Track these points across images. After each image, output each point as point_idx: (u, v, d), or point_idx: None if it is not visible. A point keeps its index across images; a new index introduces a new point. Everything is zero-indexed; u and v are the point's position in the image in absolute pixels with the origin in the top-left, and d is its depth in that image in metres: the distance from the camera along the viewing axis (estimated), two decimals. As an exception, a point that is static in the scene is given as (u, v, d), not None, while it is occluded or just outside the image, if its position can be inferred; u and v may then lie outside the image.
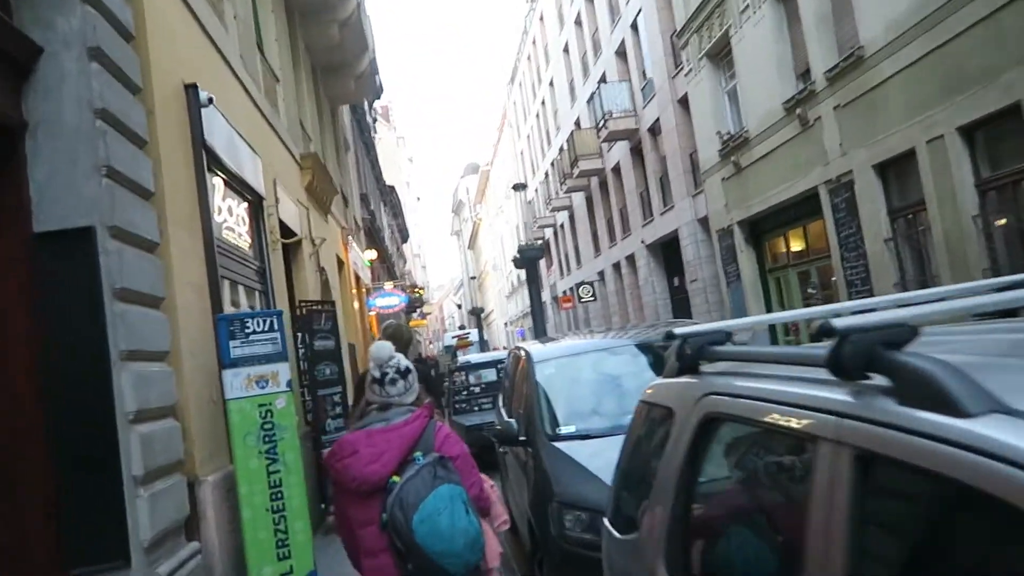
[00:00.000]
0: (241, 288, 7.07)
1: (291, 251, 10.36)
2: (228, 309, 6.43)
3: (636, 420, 2.82)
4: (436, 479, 2.80)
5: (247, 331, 5.32)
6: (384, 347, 3.17)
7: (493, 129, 66.84)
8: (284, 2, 12.13)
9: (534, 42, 40.13)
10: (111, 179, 4.08)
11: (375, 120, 39.03)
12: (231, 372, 5.24)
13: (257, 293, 7.60)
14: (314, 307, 8.65)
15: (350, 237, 17.29)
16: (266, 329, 5.39)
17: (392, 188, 40.00)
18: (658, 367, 5.71)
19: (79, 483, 3.73)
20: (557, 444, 4.90)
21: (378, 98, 33.39)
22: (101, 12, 4.21)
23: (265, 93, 9.50)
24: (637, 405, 2.84)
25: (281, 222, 9.09)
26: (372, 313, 20.73)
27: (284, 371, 5.43)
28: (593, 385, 5.49)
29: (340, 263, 15.55)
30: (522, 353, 6.63)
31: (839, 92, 12.79)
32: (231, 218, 6.83)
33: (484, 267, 78.37)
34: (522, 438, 5.28)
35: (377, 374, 3.08)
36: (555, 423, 5.16)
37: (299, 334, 8.60)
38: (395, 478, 2.82)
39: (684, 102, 20.76)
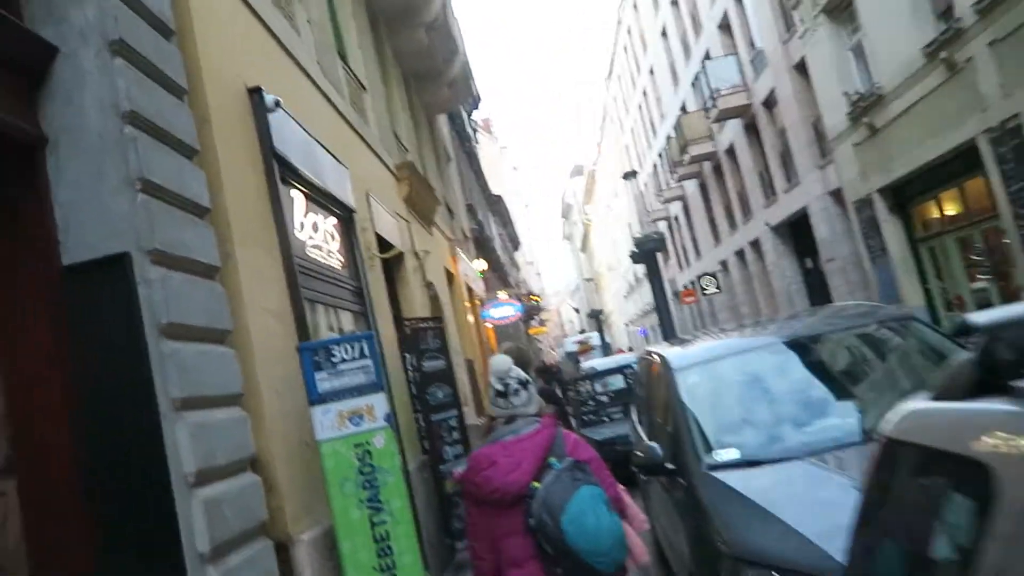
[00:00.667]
0: (335, 311, 6.39)
1: (393, 267, 9.73)
2: (324, 335, 5.75)
3: (877, 469, 1.76)
4: (575, 481, 2.88)
5: (334, 360, 4.57)
6: (503, 360, 3.26)
7: (594, 128, 65.60)
8: (366, 10, 11.60)
9: (629, 31, 38.74)
10: (148, 194, 3.40)
11: (475, 131, 38.80)
12: (320, 409, 4.50)
13: (355, 315, 6.92)
14: (421, 325, 7.92)
15: (458, 249, 16.69)
16: (356, 356, 4.62)
17: (499, 197, 39.58)
18: (858, 369, 4.57)
19: (128, 568, 3.03)
20: (717, 474, 3.84)
21: (476, 108, 33.08)
22: (123, 0, 3.55)
23: (351, 102, 8.91)
24: (876, 444, 1.79)
25: (378, 236, 8.45)
26: (489, 325, 20.09)
27: (380, 403, 4.64)
28: (756, 394, 4.36)
29: (449, 276, 14.94)
30: (655, 358, 5.59)
31: (995, 25, 10.96)
32: (316, 234, 6.17)
33: (598, 268, 77.06)
34: (670, 466, 4.25)
35: (500, 387, 3.16)
36: (712, 446, 4.09)
37: (407, 355, 7.88)
38: (535, 484, 2.89)
39: (801, 67, 18.96)
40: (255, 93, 5.23)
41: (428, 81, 16.27)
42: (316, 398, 4.50)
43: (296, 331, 5.01)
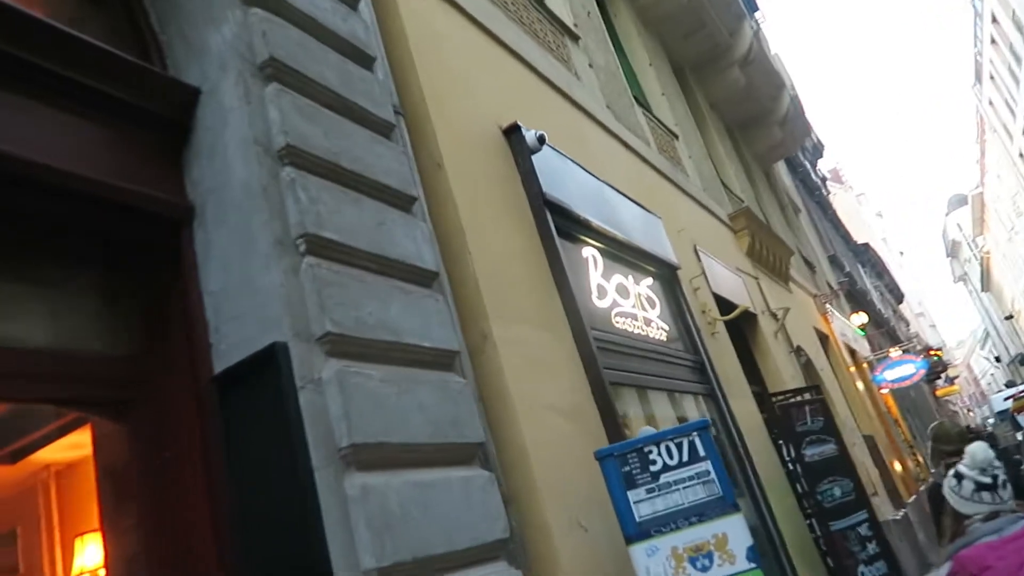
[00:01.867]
0: (667, 395, 4.85)
1: (743, 332, 7.91)
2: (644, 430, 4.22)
3: None
4: None
5: (654, 468, 3.00)
6: (983, 447, 2.82)
7: (968, 144, 56.08)
8: (667, 59, 10.41)
9: (994, 19, 32.51)
10: (317, 255, 2.31)
11: (824, 180, 35.22)
12: (643, 549, 2.92)
13: (696, 397, 5.29)
14: (793, 400, 5.96)
15: (827, 305, 14.05)
16: (686, 459, 3.00)
17: (865, 246, 34.98)
18: None
19: None
20: None
21: (820, 156, 30.06)
22: (275, 11, 2.64)
23: (658, 149, 7.59)
24: None
25: (716, 297, 6.79)
26: (884, 391, 16.60)
27: (737, 530, 2.92)
28: None
29: (822, 337, 12.43)
30: None
31: None
32: (625, 300, 4.76)
33: (1013, 305, 64.04)
34: None
35: (987, 479, 2.74)
36: None
37: (780, 443, 5.94)
38: None
39: None
40: (512, 133, 4.13)
41: (756, 127, 14.45)
42: (634, 531, 2.93)
43: (602, 430, 3.57)
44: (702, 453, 3.01)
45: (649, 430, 3.21)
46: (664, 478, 2.98)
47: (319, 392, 2.12)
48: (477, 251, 3.30)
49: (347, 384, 2.17)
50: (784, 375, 8.00)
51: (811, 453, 5.65)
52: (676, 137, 8.65)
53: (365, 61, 3.10)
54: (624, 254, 5.07)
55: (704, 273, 6.83)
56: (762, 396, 6.88)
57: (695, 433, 3.04)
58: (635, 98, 7.68)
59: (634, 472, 3.00)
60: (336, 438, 2.09)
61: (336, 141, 2.62)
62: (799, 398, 6.15)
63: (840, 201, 43.05)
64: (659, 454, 3.02)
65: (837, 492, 5.70)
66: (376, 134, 2.92)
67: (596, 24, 7.42)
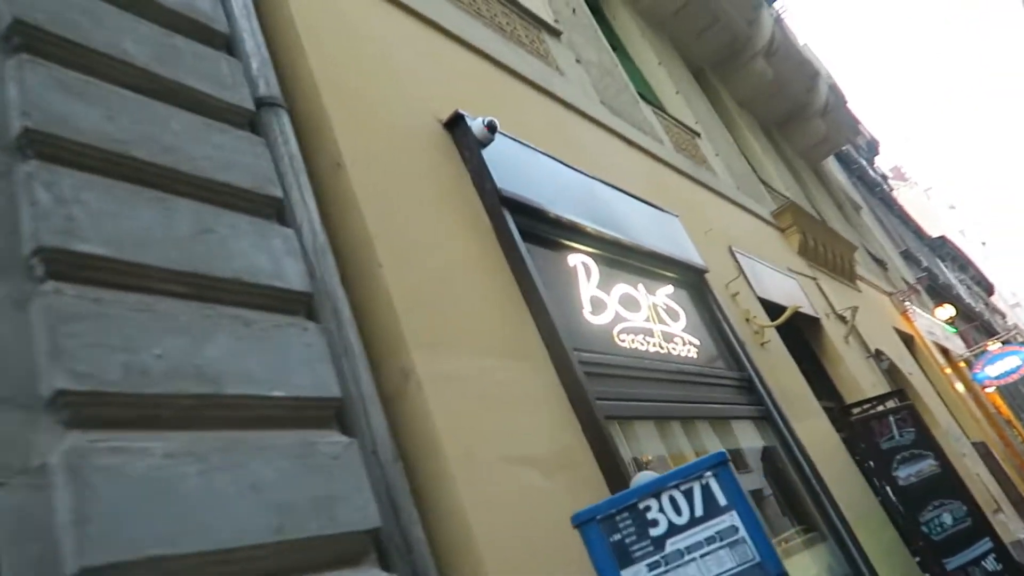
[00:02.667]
0: (701, 425, 3.88)
1: (807, 339, 6.85)
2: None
3: None
4: None
5: (655, 531, 2.08)
6: None
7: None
8: (680, 56, 9.61)
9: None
10: (71, 279, 1.55)
11: (885, 178, 33.43)
12: (652, 653, 2.00)
13: (745, 422, 4.30)
14: (873, 411, 4.89)
15: (906, 302, 12.68)
16: (700, 514, 2.07)
17: (941, 239, 32.86)
18: None
19: None
20: None
21: (876, 154, 28.66)
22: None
23: (676, 147, 6.73)
24: None
25: (764, 301, 5.80)
26: (989, 389, 14.90)
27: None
28: None
29: (906, 338, 11.09)
30: None
31: None
32: (634, 313, 3.86)
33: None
34: None
35: None
36: None
37: (867, 466, 4.86)
38: None
39: None
40: (456, 124, 3.36)
41: (794, 121, 13.44)
42: (635, 629, 2.01)
43: (601, 480, 2.66)
44: (723, 501, 2.08)
45: (648, 476, 2.30)
46: (672, 544, 2.06)
47: (37, 488, 1.32)
48: (394, 265, 2.49)
49: (91, 469, 1.36)
50: (863, 384, 6.87)
51: (905, 474, 4.55)
52: (697, 135, 7.77)
53: (207, 37, 2.38)
54: (630, 259, 4.19)
55: (744, 275, 5.86)
56: (834, 409, 5.80)
57: (708, 473, 2.12)
58: (640, 95, 6.86)
59: (628, 541, 2.09)
60: (60, 561, 1.28)
61: (128, 126, 1.88)
62: (879, 407, 5.06)
63: (906, 197, 40.93)
64: (661, 510, 2.10)
65: (947, 520, 4.57)
66: (216, 121, 2.18)
67: (584, 21, 6.68)
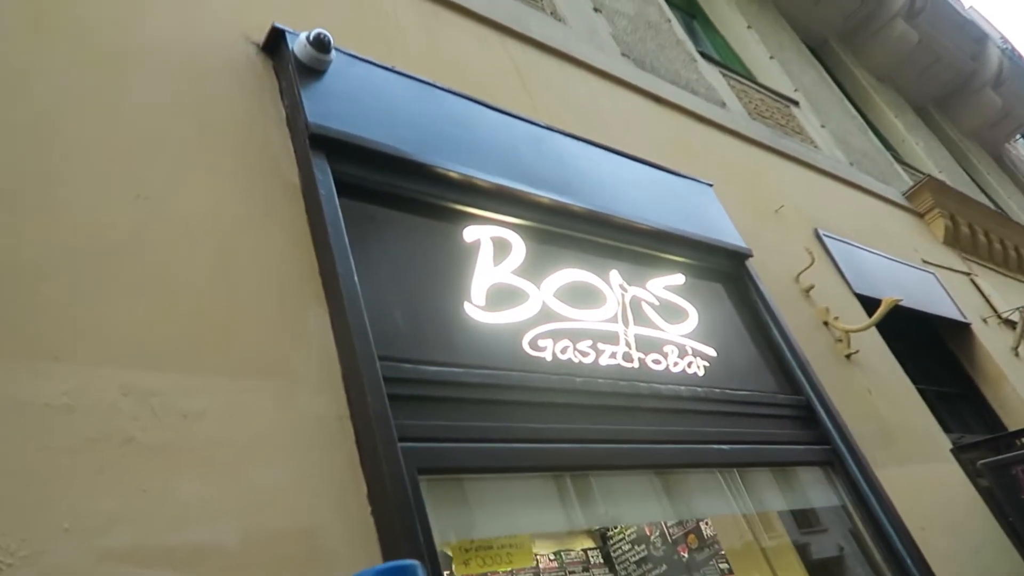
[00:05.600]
0: (702, 478, 2.53)
1: (953, 348, 5.15)
2: None
3: None
4: None
5: None
6: None
7: None
8: (784, 22, 8.10)
9: None
10: None
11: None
12: None
13: (796, 471, 2.87)
14: (1008, 454, 3.25)
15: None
16: None
17: None
18: None
19: None
20: None
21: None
22: None
23: (751, 114, 5.33)
24: None
25: (867, 301, 4.26)
26: None
27: None
28: None
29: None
30: None
31: None
32: (589, 310, 2.60)
33: None
34: None
35: None
36: None
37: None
38: None
39: None
40: (275, 46, 2.35)
41: (959, 95, 11.23)
42: None
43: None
44: None
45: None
46: None
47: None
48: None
49: None
50: (1036, 407, 5.00)
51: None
52: (794, 103, 6.26)
53: None
54: (604, 236, 2.93)
55: (835, 265, 4.36)
56: (995, 441, 4.09)
57: None
58: (702, 54, 5.52)
59: None
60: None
61: None
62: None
63: None
64: None
65: None
66: None
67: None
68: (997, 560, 3.29)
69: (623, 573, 6.21)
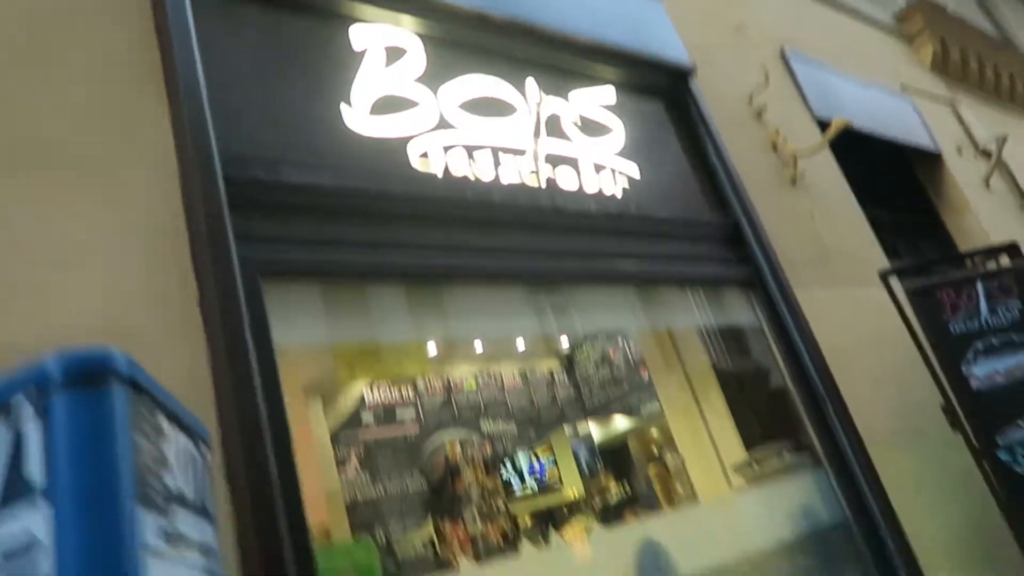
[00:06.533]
0: (603, 295, 2.50)
1: (922, 178, 5.04)
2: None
3: None
4: None
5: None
6: None
7: None
8: None
9: None
10: None
11: None
12: None
13: (720, 291, 2.83)
14: (939, 279, 3.19)
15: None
16: None
17: None
18: None
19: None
20: None
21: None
22: None
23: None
24: None
25: (826, 125, 4.07)
26: None
27: None
28: None
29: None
30: None
31: None
32: (493, 120, 2.47)
33: None
34: None
35: None
36: None
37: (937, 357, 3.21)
38: None
39: None
40: None
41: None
42: None
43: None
44: (38, 476, 0.83)
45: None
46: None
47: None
48: None
49: None
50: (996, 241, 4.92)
51: (983, 372, 2.90)
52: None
53: None
54: (526, 47, 2.73)
55: (797, 87, 4.14)
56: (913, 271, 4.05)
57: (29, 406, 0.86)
58: None
59: None
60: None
61: None
62: (956, 273, 3.30)
63: None
64: None
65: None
66: None
67: None
68: (913, 385, 3.32)
69: (586, 391, 6.53)
